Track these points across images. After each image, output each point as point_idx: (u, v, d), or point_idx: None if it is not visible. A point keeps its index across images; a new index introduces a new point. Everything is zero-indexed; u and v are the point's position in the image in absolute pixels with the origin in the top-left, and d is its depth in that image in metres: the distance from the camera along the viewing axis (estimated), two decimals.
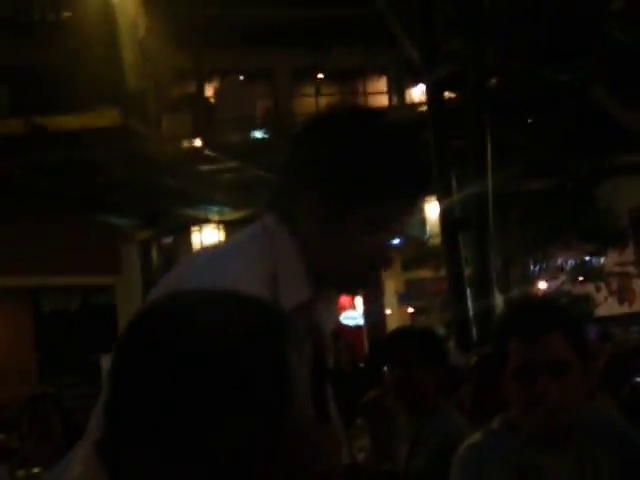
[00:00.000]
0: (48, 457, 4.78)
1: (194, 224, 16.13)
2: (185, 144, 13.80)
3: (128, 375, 1.47)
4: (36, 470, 5.40)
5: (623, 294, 17.48)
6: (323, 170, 2.31)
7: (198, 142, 13.68)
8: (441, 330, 12.32)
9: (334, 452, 1.75)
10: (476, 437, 3.03)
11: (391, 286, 20.45)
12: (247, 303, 1.56)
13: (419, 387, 4.60)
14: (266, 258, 2.29)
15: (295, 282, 2.29)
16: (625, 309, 17.30)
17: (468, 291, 9.59)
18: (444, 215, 10.08)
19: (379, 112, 2.47)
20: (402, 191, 2.33)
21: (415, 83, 12.14)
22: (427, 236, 15.81)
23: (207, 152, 13.87)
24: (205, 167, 14.48)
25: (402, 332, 5.98)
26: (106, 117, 12.33)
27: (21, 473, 5.18)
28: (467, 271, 9.91)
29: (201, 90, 13.72)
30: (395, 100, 14.61)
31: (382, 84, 14.29)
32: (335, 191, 2.28)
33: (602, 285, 17.53)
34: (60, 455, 1.77)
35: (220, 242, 2.30)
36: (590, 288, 16.91)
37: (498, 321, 3.38)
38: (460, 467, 2.96)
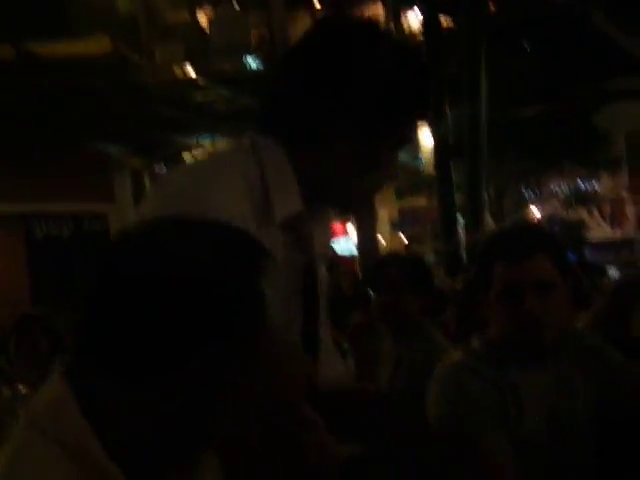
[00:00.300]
0: (35, 378, 4.80)
1: (185, 152, 16.25)
2: (178, 73, 13.72)
3: (101, 302, 1.50)
4: (22, 388, 5.46)
5: (615, 219, 17.66)
6: (318, 89, 2.23)
7: (191, 71, 13.60)
8: (432, 258, 12.44)
9: (307, 375, 1.70)
10: (456, 356, 3.13)
11: (385, 214, 20.29)
12: (223, 233, 1.58)
13: (404, 311, 4.68)
14: (252, 170, 2.25)
15: (286, 194, 2.26)
16: (617, 234, 17.48)
17: (460, 219, 9.71)
18: (437, 143, 10.25)
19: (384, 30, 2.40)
20: (415, 110, 2.31)
21: (411, 7, 11.97)
22: (421, 164, 15.74)
23: (200, 81, 13.83)
24: (198, 96, 14.48)
25: (390, 258, 6.00)
26: (97, 44, 12.26)
27: (7, 391, 5.20)
28: (460, 199, 10.05)
29: (194, 18, 13.63)
30: (392, 26, 14.50)
31: (378, 8, 14.16)
32: (354, 122, 2.23)
33: (595, 209, 17.75)
34: (47, 377, 1.62)
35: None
36: (583, 213, 16.98)
37: (483, 245, 3.31)
38: (439, 384, 2.99)
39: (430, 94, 2.47)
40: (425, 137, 14.00)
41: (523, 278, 2.96)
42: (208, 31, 13.75)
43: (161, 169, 17.04)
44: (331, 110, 2.24)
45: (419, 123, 2.50)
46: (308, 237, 2.37)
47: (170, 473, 1.59)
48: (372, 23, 2.37)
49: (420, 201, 16.89)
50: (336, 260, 15.34)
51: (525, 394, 2.96)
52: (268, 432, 1.62)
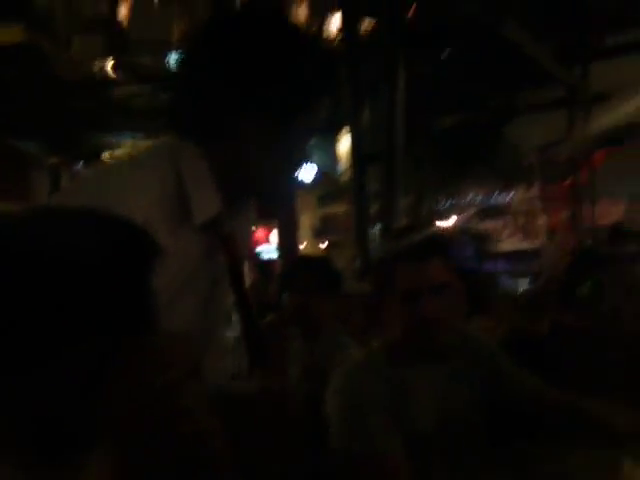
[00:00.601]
0: None
1: (105, 151, 15.98)
2: (96, 66, 13.71)
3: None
4: None
5: (528, 230, 17.90)
6: (240, 86, 2.29)
7: (110, 65, 13.61)
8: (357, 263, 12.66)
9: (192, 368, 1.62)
10: (356, 356, 3.35)
11: (306, 221, 20.47)
12: (109, 225, 1.58)
13: (314, 313, 4.82)
14: (169, 176, 2.30)
15: (205, 196, 2.34)
16: (529, 245, 17.70)
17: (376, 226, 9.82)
18: (354, 149, 10.28)
19: (282, 15, 2.51)
20: (319, 101, 2.39)
21: (333, 9, 12.03)
22: (340, 171, 15.89)
23: (119, 76, 13.87)
24: (117, 91, 14.49)
25: (301, 261, 6.09)
26: (11, 33, 12.18)
27: None
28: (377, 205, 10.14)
29: (114, 10, 13.58)
30: (315, 27, 14.54)
31: (303, 10, 14.25)
32: (258, 107, 2.30)
33: (507, 220, 18.08)
34: None
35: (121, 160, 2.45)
36: (496, 223, 17.37)
37: (384, 251, 3.40)
38: (336, 383, 3.12)
39: (333, 81, 2.47)
40: (344, 145, 14.17)
41: (421, 281, 3.09)
42: (127, 23, 13.77)
43: (80, 168, 16.85)
44: (234, 101, 2.30)
45: (338, 131, 2.49)
46: (230, 237, 2.44)
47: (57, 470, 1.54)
48: (277, 14, 2.46)
49: (341, 207, 17.09)
50: (268, 265, 15.70)
51: (421, 392, 3.07)
52: (148, 420, 1.52)
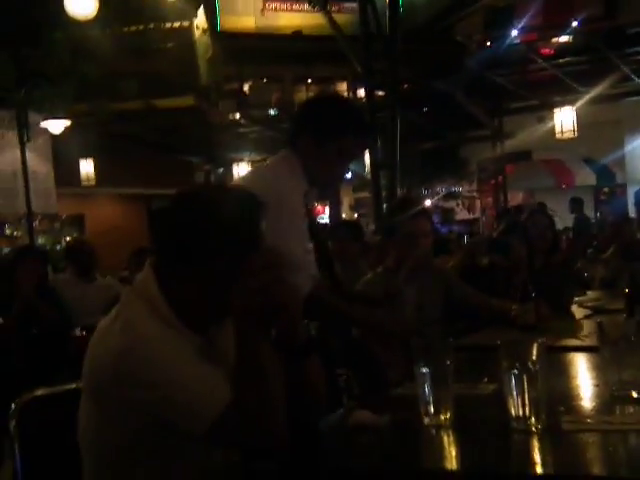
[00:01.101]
0: None
1: (234, 162, 15.97)
2: (230, 117, 13.61)
3: (171, 228, 1.51)
4: None
5: (471, 208, 17.61)
6: (310, 124, 2.40)
7: (237, 115, 13.53)
8: (372, 225, 12.29)
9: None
10: (370, 274, 3.33)
11: (346, 201, 20.18)
12: (232, 192, 1.60)
13: (348, 252, 4.74)
14: (288, 168, 2.38)
15: (299, 181, 2.38)
16: (471, 215, 17.43)
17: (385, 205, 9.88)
18: (372, 160, 10.14)
19: (344, 99, 2.53)
20: (357, 135, 2.41)
21: (360, 85, 11.82)
22: (366, 172, 15.68)
23: (243, 122, 13.78)
24: (241, 130, 14.45)
25: (340, 223, 5.97)
26: (186, 100, 12.34)
27: None
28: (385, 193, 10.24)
29: (241, 86, 13.41)
30: (350, 94, 14.40)
31: (344, 86, 14.24)
32: (318, 134, 2.37)
33: (459, 202, 17.72)
34: None
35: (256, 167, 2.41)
36: (453, 204, 17.37)
37: (394, 207, 3.39)
38: (360, 287, 3.14)
39: (364, 128, 2.49)
40: (367, 158, 14.18)
41: (417, 229, 3.15)
42: (248, 94, 13.66)
43: (220, 172, 16.73)
44: (311, 135, 2.37)
45: (364, 151, 2.51)
46: (312, 208, 2.51)
47: (212, 327, 1.55)
48: (336, 96, 2.63)
49: (366, 194, 16.80)
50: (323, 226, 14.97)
51: (406, 294, 3.03)
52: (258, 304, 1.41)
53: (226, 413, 1.36)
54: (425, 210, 3.61)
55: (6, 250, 12.01)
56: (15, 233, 15.53)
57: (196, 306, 1.48)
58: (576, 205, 12.63)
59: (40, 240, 14.09)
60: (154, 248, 1.57)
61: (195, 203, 1.51)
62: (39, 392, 1.82)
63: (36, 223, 11.28)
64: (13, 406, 1.75)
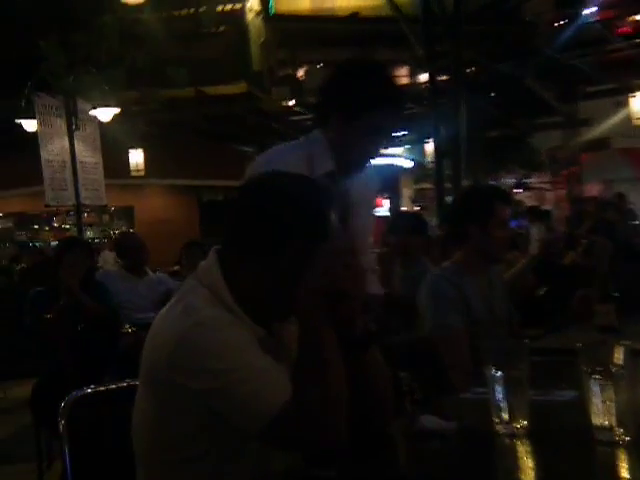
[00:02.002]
0: None
1: None
2: (284, 104, 13.67)
3: (238, 213, 1.54)
4: None
5: (541, 199, 17.14)
6: (335, 103, 2.27)
7: (292, 102, 13.59)
8: (435, 220, 12.34)
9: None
10: (437, 270, 3.21)
11: (406, 193, 20.18)
12: (302, 180, 1.60)
13: (411, 246, 4.64)
14: (305, 149, 2.28)
15: (324, 159, 2.26)
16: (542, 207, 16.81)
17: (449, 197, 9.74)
18: (436, 150, 10.11)
19: (376, 65, 2.35)
20: (385, 108, 2.24)
21: (422, 70, 11.72)
22: (428, 162, 15.65)
23: (297, 109, 13.82)
24: (296, 117, 14.42)
25: (401, 214, 5.91)
26: (240, 87, 12.42)
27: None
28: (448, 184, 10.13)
29: (295, 72, 13.46)
30: (412, 80, 14.38)
31: (405, 71, 14.19)
32: (342, 112, 2.24)
33: (530, 194, 17.36)
34: None
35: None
36: (522, 196, 16.96)
37: (483, 194, 3.14)
38: (428, 284, 3.06)
39: (396, 99, 2.31)
40: (430, 147, 14.19)
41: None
42: (303, 80, 13.71)
43: None
44: (338, 110, 2.26)
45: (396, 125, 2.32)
46: (346, 193, 2.30)
47: (275, 322, 1.56)
48: (362, 64, 2.35)
49: (428, 185, 16.83)
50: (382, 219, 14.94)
51: (474, 291, 2.98)
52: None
53: (285, 410, 1.33)
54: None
55: (54, 243, 12.21)
56: (64, 225, 16.11)
57: (260, 296, 1.48)
58: None
59: (89, 232, 14.52)
60: (224, 237, 1.57)
61: (263, 191, 1.52)
62: (89, 390, 1.84)
63: (85, 215, 11.50)
64: (63, 405, 1.76)
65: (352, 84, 2.24)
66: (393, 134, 2.41)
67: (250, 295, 1.48)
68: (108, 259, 11.20)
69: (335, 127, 2.26)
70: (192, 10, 11.47)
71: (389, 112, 2.24)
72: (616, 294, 2.88)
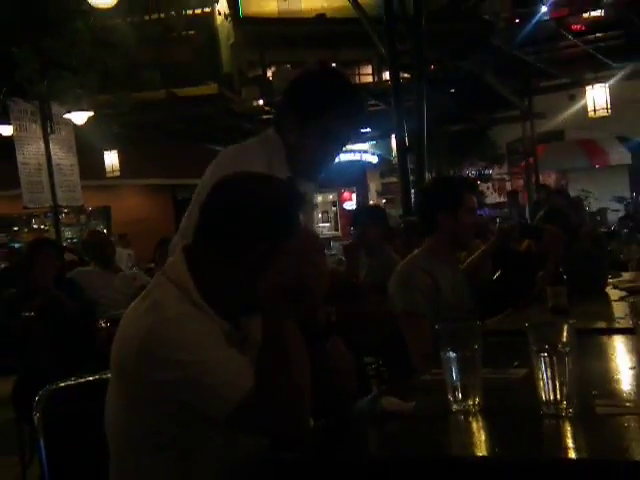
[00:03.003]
0: None
1: None
2: (254, 104, 13.65)
3: (207, 212, 1.52)
4: None
5: (500, 191, 17.45)
6: (292, 105, 2.21)
7: (261, 102, 13.57)
8: (394, 212, 12.01)
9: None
10: (408, 258, 3.16)
11: (373, 186, 20.27)
12: (273, 181, 1.58)
13: (372, 237, 4.71)
14: (265, 151, 2.17)
15: (281, 166, 2.17)
16: (500, 199, 17.20)
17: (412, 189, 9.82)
18: (399, 145, 9.99)
19: (336, 70, 2.30)
20: (340, 113, 2.16)
21: (386, 68, 11.66)
22: (393, 156, 15.62)
23: (266, 108, 13.76)
24: (265, 117, 14.06)
25: (363, 208, 5.80)
26: (210, 88, 12.43)
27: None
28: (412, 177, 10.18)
29: (264, 73, 13.42)
30: (376, 78, 14.35)
31: (369, 69, 14.17)
32: (301, 112, 2.18)
33: (489, 185, 17.56)
34: None
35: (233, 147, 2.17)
36: (483, 187, 17.06)
37: (453, 184, 3.15)
38: (398, 273, 3.05)
39: (354, 105, 2.22)
40: (394, 142, 14.12)
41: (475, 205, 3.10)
42: (272, 80, 13.60)
43: None
44: (294, 113, 2.19)
45: (353, 132, 2.25)
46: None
47: (242, 317, 1.55)
48: (324, 69, 2.38)
49: (394, 178, 16.88)
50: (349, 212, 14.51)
51: (443, 278, 2.98)
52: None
53: (249, 397, 1.35)
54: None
55: None
56: (42, 226, 15.94)
57: (226, 292, 1.48)
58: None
59: (67, 233, 14.36)
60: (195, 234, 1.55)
61: (232, 191, 1.51)
62: (63, 384, 1.84)
63: (62, 216, 11.42)
64: (37, 398, 1.77)
65: (310, 85, 2.21)
66: (348, 142, 2.31)
67: (216, 291, 1.48)
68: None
69: (291, 128, 2.20)
70: (162, 14, 11.40)
71: (344, 117, 2.17)
72: (565, 277, 2.91)
